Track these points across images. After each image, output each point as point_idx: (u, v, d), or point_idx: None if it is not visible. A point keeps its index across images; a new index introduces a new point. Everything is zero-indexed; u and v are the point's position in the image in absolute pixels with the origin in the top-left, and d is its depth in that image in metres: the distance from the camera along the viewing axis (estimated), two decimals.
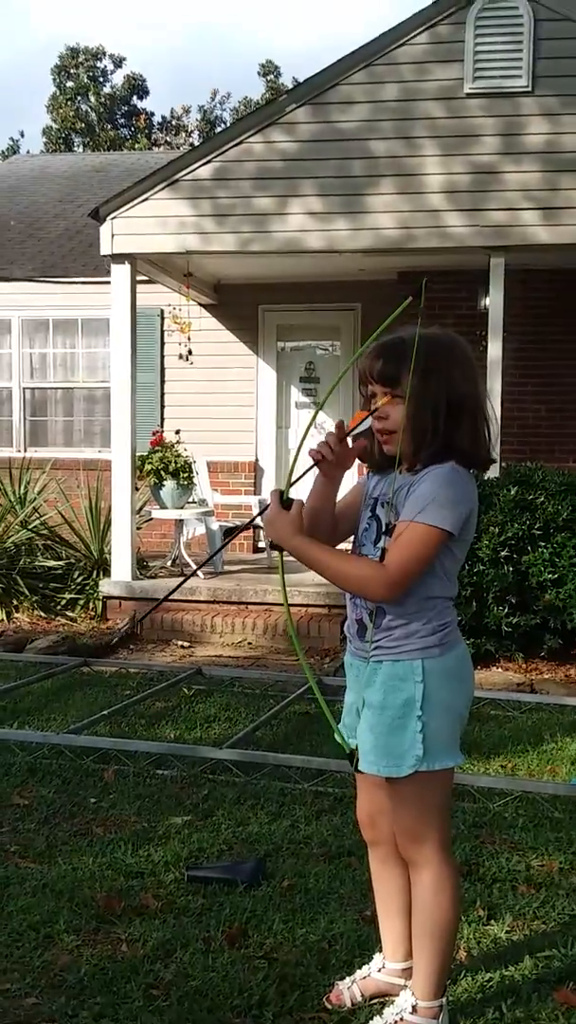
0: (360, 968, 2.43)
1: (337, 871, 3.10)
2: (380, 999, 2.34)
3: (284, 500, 2.15)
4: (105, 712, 4.72)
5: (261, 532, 8.68)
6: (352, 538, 2.28)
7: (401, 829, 2.20)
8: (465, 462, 2.12)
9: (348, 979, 2.41)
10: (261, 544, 9.28)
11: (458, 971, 2.50)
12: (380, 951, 2.42)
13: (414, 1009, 2.20)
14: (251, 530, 9.20)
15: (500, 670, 6.10)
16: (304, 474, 2.18)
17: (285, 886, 2.98)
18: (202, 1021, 2.27)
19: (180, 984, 2.43)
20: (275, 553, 2.23)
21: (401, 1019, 2.20)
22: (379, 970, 2.39)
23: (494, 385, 6.98)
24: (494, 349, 7.05)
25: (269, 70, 31.38)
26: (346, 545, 2.30)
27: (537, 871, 3.14)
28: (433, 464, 2.08)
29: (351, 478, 2.33)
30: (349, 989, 2.37)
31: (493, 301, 7.12)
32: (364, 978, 2.39)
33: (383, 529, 2.13)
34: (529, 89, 6.94)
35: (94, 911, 2.81)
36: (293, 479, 2.19)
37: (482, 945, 2.66)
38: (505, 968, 2.53)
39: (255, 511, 8.32)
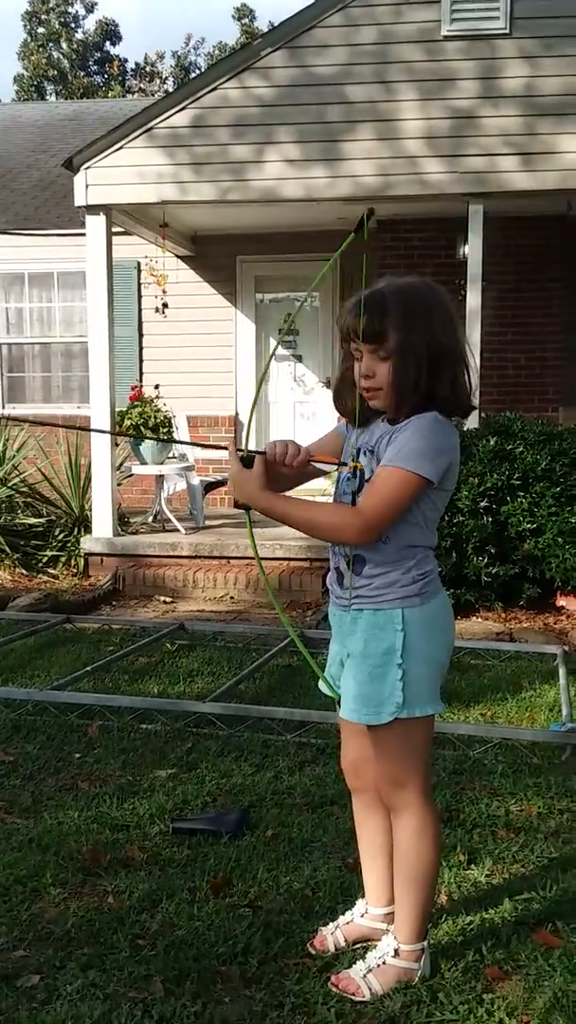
0: (343, 914, 2.47)
1: (320, 820, 3.14)
2: (363, 944, 2.38)
3: (244, 458, 2.13)
4: (88, 668, 4.74)
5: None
6: (334, 489, 2.27)
7: (383, 776, 2.23)
8: (447, 411, 2.11)
9: (331, 925, 2.45)
10: None
11: (439, 915, 2.55)
12: (363, 897, 2.46)
13: (396, 952, 2.25)
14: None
15: (480, 619, 6.16)
16: (251, 452, 2.14)
17: (269, 836, 3.02)
18: (188, 969, 2.31)
19: (166, 934, 2.47)
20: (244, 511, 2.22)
21: (383, 963, 2.25)
22: (362, 915, 2.43)
23: (473, 335, 6.94)
24: (473, 298, 7.01)
25: (244, 14, 30.72)
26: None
27: (516, 816, 3.19)
28: (415, 414, 2.08)
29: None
30: (332, 935, 2.41)
31: (472, 249, 7.06)
32: (347, 923, 2.44)
33: (365, 478, 2.13)
34: (507, 31, 6.82)
35: (80, 864, 2.84)
36: (247, 445, 2.17)
37: (463, 889, 2.71)
38: (485, 911, 2.58)
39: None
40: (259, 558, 2.48)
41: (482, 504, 5.97)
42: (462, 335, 2.16)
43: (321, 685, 2.35)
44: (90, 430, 3.91)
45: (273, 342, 10.06)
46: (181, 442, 3.48)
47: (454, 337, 2.11)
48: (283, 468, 2.14)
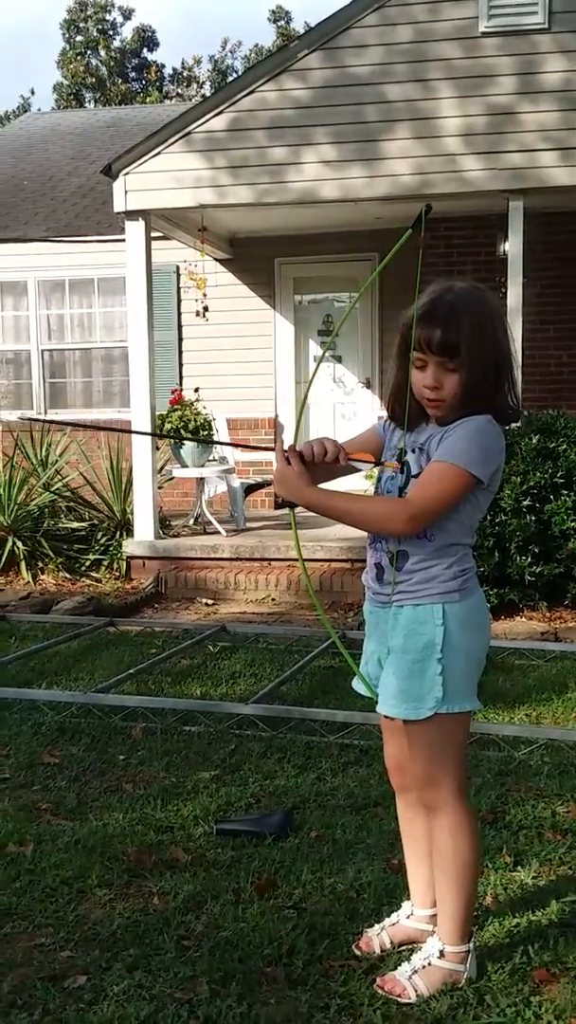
0: (388, 916, 2.46)
1: (364, 821, 3.13)
2: (409, 946, 2.37)
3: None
4: (132, 671, 4.77)
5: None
6: (374, 488, 2.26)
7: (419, 773, 2.22)
8: (500, 417, 2.13)
9: (377, 927, 2.44)
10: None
11: (485, 917, 2.53)
12: (408, 899, 2.45)
13: (442, 954, 2.23)
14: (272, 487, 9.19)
15: (524, 619, 6.10)
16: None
17: (313, 837, 3.02)
18: (233, 971, 2.31)
19: (211, 935, 2.47)
20: (287, 510, 2.22)
21: (429, 964, 2.23)
22: (407, 917, 2.42)
23: (515, 332, 6.87)
24: (514, 295, 6.95)
25: (279, 16, 30.75)
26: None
27: (563, 817, 3.16)
28: (468, 416, 2.08)
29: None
30: (378, 936, 2.40)
31: (512, 246, 7.00)
32: (393, 925, 2.42)
33: (412, 474, 2.13)
34: (546, 26, 6.76)
35: (125, 865, 2.85)
36: (297, 442, 2.17)
37: (509, 891, 2.69)
38: (532, 913, 2.56)
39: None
40: (303, 559, 2.48)
41: (525, 503, 5.91)
42: (510, 338, 2.16)
43: (356, 684, 2.35)
44: (133, 432, 3.94)
45: (312, 344, 10.06)
46: (223, 443, 3.50)
47: (509, 344, 2.12)
48: (321, 466, 2.14)
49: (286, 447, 2.14)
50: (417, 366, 2.10)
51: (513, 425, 6.32)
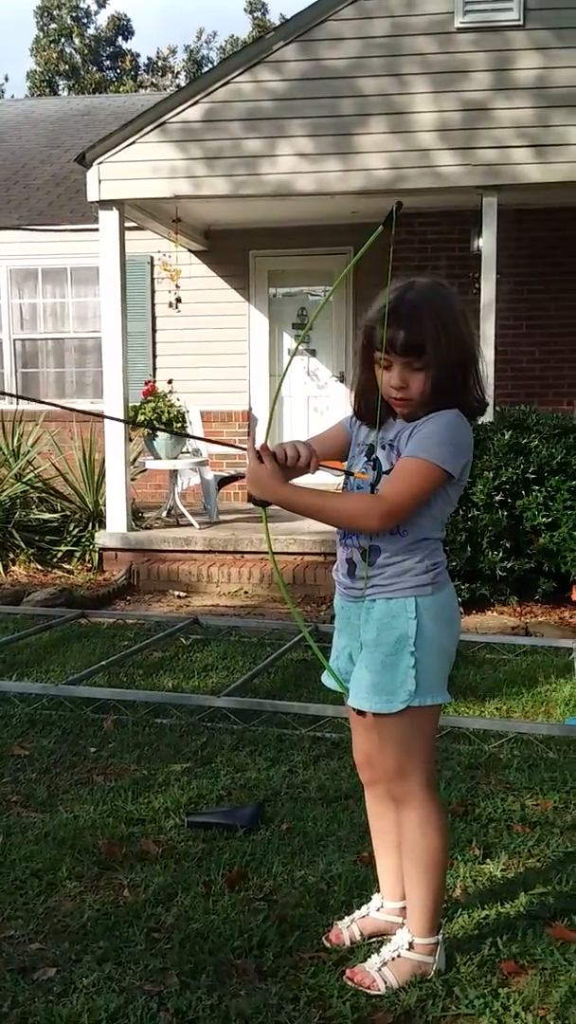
0: (358, 908, 2.48)
1: (335, 814, 3.14)
2: (378, 938, 2.39)
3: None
4: (103, 663, 4.75)
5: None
6: (342, 484, 2.26)
7: (388, 765, 2.24)
8: (468, 412, 2.14)
9: (347, 919, 2.45)
10: None
11: (454, 909, 2.55)
12: (378, 891, 2.47)
13: (411, 946, 2.25)
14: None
15: (495, 614, 6.14)
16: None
17: (284, 830, 3.03)
18: (204, 963, 2.31)
19: (182, 927, 2.48)
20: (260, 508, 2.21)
21: (398, 956, 2.25)
22: (377, 909, 2.44)
23: (487, 328, 6.92)
24: (487, 291, 6.98)
25: (255, 7, 30.62)
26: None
27: (532, 810, 3.19)
28: (436, 411, 2.09)
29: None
30: (348, 928, 2.42)
31: (486, 242, 7.02)
32: (363, 917, 2.44)
33: (383, 470, 2.13)
34: (520, 23, 6.78)
35: (96, 858, 2.85)
36: (268, 441, 2.17)
37: (478, 883, 2.71)
38: (501, 905, 2.58)
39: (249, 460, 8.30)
40: (273, 554, 2.48)
41: (497, 498, 5.95)
42: (474, 333, 2.16)
43: (326, 678, 2.35)
44: (108, 418, 3.91)
45: (287, 337, 10.06)
46: (198, 438, 3.50)
47: (472, 338, 2.13)
48: (293, 468, 2.14)
49: (259, 445, 2.14)
50: (383, 366, 2.11)
51: (485, 420, 6.41)
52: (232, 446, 3.22)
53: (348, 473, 2.21)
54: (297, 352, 10.03)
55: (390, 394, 2.11)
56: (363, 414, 2.22)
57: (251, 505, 2.20)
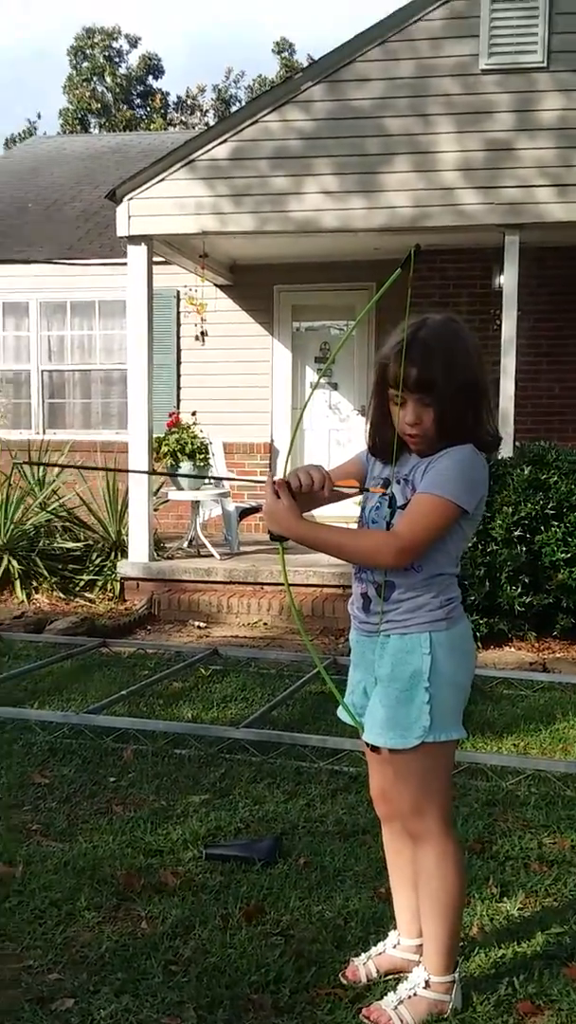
0: (375, 945, 2.48)
1: (352, 849, 3.14)
2: (395, 975, 2.39)
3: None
4: (123, 692, 4.78)
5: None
6: (359, 519, 2.29)
7: (405, 803, 2.24)
8: (481, 447, 2.16)
9: (363, 955, 2.45)
10: None
11: (471, 947, 2.55)
12: (395, 928, 2.46)
13: (427, 984, 2.25)
14: None
15: (513, 649, 6.13)
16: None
17: (301, 864, 3.03)
18: (220, 997, 2.32)
19: (199, 960, 2.49)
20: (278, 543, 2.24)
21: (415, 994, 2.25)
22: (394, 946, 2.44)
23: (508, 364, 6.96)
24: (508, 327, 7.03)
25: (283, 47, 31.09)
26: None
27: (549, 849, 3.18)
28: (449, 447, 2.12)
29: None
30: (364, 965, 2.42)
31: (508, 279, 7.09)
32: (379, 954, 2.44)
33: (398, 505, 2.16)
34: (544, 65, 6.88)
35: (114, 888, 2.86)
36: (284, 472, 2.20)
37: (495, 922, 2.71)
38: (517, 944, 2.58)
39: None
40: (289, 586, 2.48)
41: (516, 533, 5.96)
42: (486, 369, 2.20)
43: (341, 713, 2.36)
44: (133, 471, 3.97)
45: (309, 370, 10.14)
46: (219, 478, 3.56)
47: (483, 374, 2.16)
48: (308, 494, 2.17)
49: (275, 480, 2.18)
50: (396, 403, 2.15)
51: (504, 455, 6.44)
52: (251, 481, 3.26)
53: (364, 489, 2.23)
54: (319, 385, 10.10)
55: (404, 430, 2.15)
56: (377, 449, 2.26)
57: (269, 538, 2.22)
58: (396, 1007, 2.23)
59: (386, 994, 2.28)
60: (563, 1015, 2.27)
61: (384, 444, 2.21)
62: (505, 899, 2.83)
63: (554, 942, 2.59)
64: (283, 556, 2.36)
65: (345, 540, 2.18)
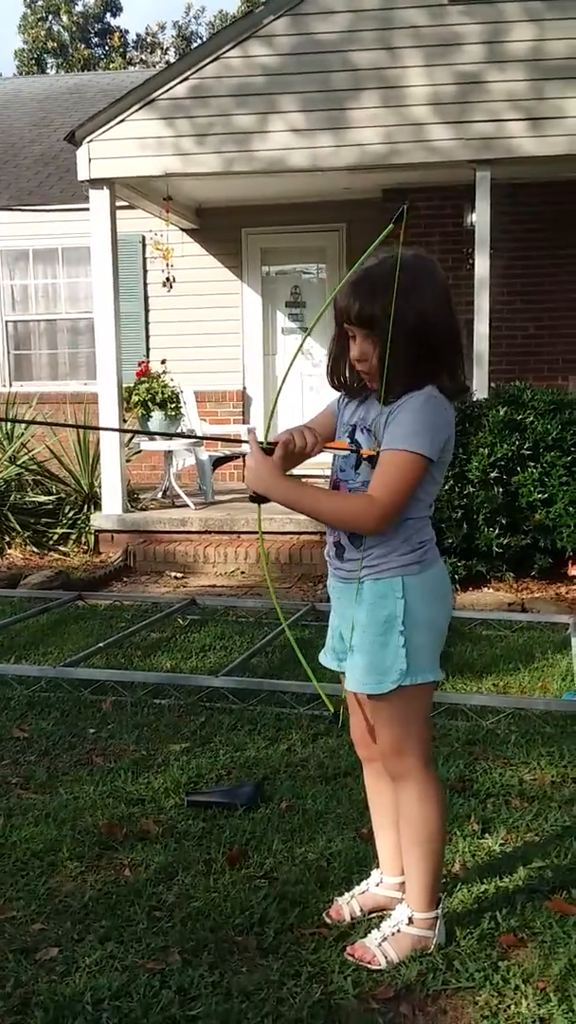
0: (358, 884, 2.49)
1: (334, 791, 3.15)
2: (378, 913, 2.40)
3: (265, 447, 2.12)
4: (101, 644, 4.76)
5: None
6: (331, 465, 2.26)
7: (385, 745, 2.24)
8: (442, 391, 2.11)
9: (347, 895, 2.46)
10: None
11: (454, 883, 2.56)
12: (377, 867, 2.48)
13: (410, 921, 2.26)
14: (241, 460, 9.17)
15: (491, 590, 6.15)
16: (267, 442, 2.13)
17: (283, 808, 3.04)
18: (205, 940, 2.32)
19: (183, 905, 2.49)
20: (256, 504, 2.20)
21: (398, 931, 2.26)
22: (377, 885, 2.45)
23: (482, 304, 6.89)
24: (481, 267, 6.95)
25: None
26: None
27: (530, 785, 3.20)
28: (410, 392, 2.07)
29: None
30: (348, 904, 2.43)
31: (479, 217, 6.98)
32: (362, 893, 2.45)
33: (364, 457, 2.12)
34: None
35: (96, 838, 2.86)
36: (268, 435, 2.16)
37: (477, 858, 2.72)
38: (500, 879, 2.60)
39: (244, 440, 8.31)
40: (262, 535, 2.47)
41: (492, 475, 5.94)
42: (455, 311, 2.13)
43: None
44: (100, 428, 3.89)
45: (280, 315, 10.02)
46: (205, 438, 3.52)
47: (448, 316, 2.09)
48: (300, 454, 2.15)
49: (276, 438, 2.13)
50: (350, 336, 2.12)
51: (479, 396, 6.40)
52: (234, 440, 3.19)
53: (354, 450, 2.18)
54: (283, 330, 9.99)
55: (355, 365, 2.13)
56: (336, 384, 2.24)
57: (245, 485, 2.18)
58: (380, 944, 2.24)
59: (370, 932, 2.30)
60: (545, 947, 2.29)
61: (339, 376, 2.21)
62: (487, 835, 2.85)
63: (536, 876, 2.62)
64: (260, 519, 2.33)
65: (326, 505, 2.15)
